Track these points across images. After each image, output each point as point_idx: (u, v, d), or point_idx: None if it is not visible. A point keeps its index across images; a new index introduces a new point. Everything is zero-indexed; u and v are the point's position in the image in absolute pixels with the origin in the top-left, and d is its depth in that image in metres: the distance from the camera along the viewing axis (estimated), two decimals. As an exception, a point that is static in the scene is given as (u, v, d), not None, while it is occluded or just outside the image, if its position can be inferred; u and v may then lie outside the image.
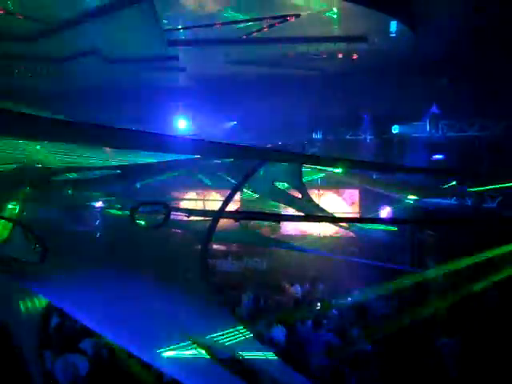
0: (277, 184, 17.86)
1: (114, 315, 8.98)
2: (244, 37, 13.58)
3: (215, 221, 12.69)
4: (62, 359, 9.40)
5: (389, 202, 18.97)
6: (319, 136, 20.07)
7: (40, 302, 10.06)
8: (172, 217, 12.50)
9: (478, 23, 12.21)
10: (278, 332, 11.15)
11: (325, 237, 20.59)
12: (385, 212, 19.05)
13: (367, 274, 15.59)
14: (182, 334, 8.70)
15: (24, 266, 10.30)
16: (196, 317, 9.65)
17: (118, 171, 15.47)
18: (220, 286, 14.95)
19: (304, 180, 17.73)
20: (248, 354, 8.95)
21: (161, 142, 5.71)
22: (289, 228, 20.98)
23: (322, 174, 19.89)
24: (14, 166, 14.08)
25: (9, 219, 12.30)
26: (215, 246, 20.01)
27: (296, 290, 15.29)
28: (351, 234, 19.33)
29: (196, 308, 10.06)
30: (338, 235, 20.11)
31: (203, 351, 8.49)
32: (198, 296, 11.04)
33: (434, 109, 17.76)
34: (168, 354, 8.08)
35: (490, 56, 14.10)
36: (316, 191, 20.45)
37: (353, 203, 21.17)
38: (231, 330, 9.61)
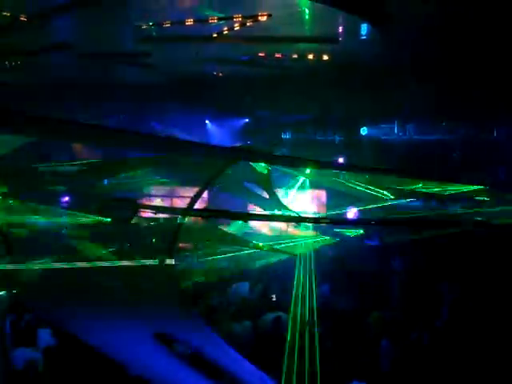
0: (245, 183, 17.92)
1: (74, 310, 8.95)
2: (215, 35, 13.55)
3: (182, 218, 12.70)
4: (19, 352, 9.44)
5: (356, 202, 19.11)
6: (288, 136, 20.17)
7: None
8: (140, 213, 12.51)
9: (444, 24, 12.31)
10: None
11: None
12: (351, 213, 19.19)
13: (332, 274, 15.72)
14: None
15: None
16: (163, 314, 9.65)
17: (84, 167, 15.39)
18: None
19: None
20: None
21: (133, 139, 5.72)
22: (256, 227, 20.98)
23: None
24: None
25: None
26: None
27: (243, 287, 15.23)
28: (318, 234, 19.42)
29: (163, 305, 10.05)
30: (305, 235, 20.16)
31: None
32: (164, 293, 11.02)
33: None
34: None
35: (458, 58, 14.25)
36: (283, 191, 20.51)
37: (320, 204, 21.25)
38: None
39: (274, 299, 13.83)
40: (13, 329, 10.92)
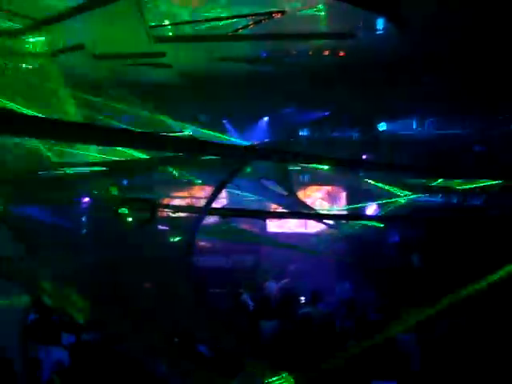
0: (263, 181, 17.87)
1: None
2: (229, 33, 13.54)
3: (201, 217, 12.69)
4: (45, 351, 9.52)
5: (375, 199, 19.00)
6: (305, 133, 20.10)
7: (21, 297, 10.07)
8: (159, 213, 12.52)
9: (463, 20, 12.22)
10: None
11: (311, 235, 20.56)
12: (371, 209, 19.08)
13: (352, 271, 15.66)
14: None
15: (7, 262, 10.26)
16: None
17: (105, 168, 15.41)
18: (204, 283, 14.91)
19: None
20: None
21: (150, 140, 5.72)
22: (275, 226, 20.94)
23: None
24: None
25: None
26: (201, 243, 19.98)
27: (270, 286, 15.22)
28: (337, 231, 19.31)
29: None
30: (325, 233, 20.05)
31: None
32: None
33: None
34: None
35: (476, 53, 14.13)
36: (302, 189, 20.44)
37: (339, 201, 21.15)
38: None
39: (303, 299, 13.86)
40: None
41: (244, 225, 18.91)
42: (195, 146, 6.81)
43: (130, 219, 13.17)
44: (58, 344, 10.25)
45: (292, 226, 20.94)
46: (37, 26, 12.68)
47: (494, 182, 16.66)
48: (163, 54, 14.31)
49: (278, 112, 18.66)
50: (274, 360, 8.89)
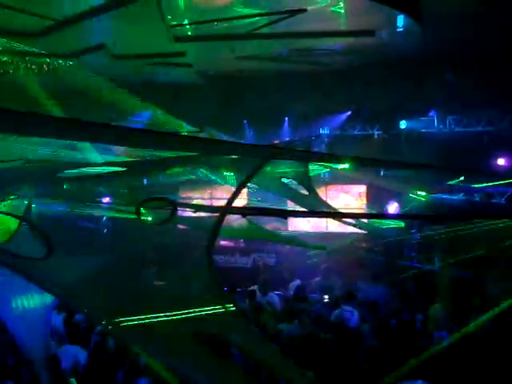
0: (283, 180, 17.81)
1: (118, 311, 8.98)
2: (250, 32, 13.51)
3: (222, 216, 12.63)
4: (64, 349, 9.62)
5: (396, 197, 18.90)
6: (326, 131, 20.02)
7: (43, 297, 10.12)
8: (178, 213, 12.48)
9: (485, 16, 12.12)
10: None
11: (332, 233, 20.51)
12: (392, 208, 18.97)
13: (376, 270, 15.60)
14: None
15: (28, 262, 10.30)
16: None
17: (124, 168, 15.45)
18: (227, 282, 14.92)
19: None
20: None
21: (163, 139, 5.67)
22: (296, 225, 20.89)
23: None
24: (20, 162, 14.11)
25: (15, 216, 12.29)
26: (222, 242, 20.02)
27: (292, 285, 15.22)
28: (360, 230, 19.21)
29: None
30: (347, 232, 19.95)
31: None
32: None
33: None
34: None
35: (498, 50, 14.01)
36: (323, 188, 20.35)
37: (360, 199, 21.05)
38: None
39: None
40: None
41: (266, 224, 18.87)
42: (214, 145, 6.76)
43: (150, 218, 13.22)
44: (81, 344, 10.38)
45: (313, 225, 20.92)
46: (58, 26, 12.72)
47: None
48: (183, 54, 14.33)
49: (300, 110, 18.57)
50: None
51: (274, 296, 13.74)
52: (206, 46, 14.74)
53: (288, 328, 11.14)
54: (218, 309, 9.94)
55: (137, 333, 8.49)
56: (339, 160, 11.28)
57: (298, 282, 15.28)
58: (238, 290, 14.36)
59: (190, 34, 14.02)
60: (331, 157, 10.47)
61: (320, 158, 11.41)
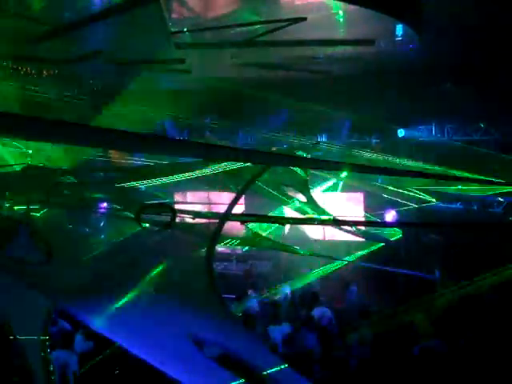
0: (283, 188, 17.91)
1: (120, 318, 9.03)
2: (249, 40, 13.57)
3: (221, 223, 12.68)
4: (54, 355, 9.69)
5: (394, 205, 18.95)
6: (324, 139, 20.06)
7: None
8: (177, 219, 12.53)
9: (482, 26, 12.21)
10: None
11: (331, 241, 20.52)
12: (390, 215, 19.02)
13: (375, 277, 15.67)
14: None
15: (28, 266, 10.33)
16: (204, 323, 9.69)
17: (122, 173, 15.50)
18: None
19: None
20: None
21: (162, 144, 5.72)
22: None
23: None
24: (20, 166, 14.15)
25: (16, 220, 12.34)
26: (220, 249, 20.04)
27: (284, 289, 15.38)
28: (358, 238, 19.26)
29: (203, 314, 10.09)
30: (345, 239, 19.98)
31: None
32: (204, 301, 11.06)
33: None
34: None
35: (496, 59, 14.09)
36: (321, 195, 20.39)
37: (357, 207, 21.07)
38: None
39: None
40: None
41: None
42: (213, 150, 6.79)
43: (147, 225, 13.24)
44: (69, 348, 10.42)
45: (311, 232, 20.95)
46: (56, 32, 12.76)
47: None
48: (183, 61, 14.37)
49: (297, 117, 18.61)
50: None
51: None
52: (207, 53, 14.80)
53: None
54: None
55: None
56: (337, 167, 11.34)
57: (287, 288, 15.43)
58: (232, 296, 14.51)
59: (189, 40, 14.09)
60: (329, 163, 10.52)
61: (318, 164, 11.45)
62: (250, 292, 15.07)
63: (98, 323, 9.50)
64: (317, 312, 13.07)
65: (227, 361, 8.86)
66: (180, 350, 8.81)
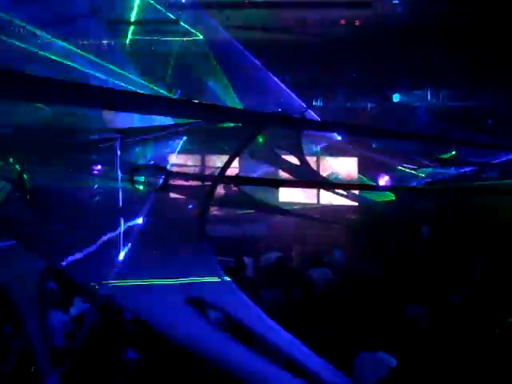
0: (276, 151, 17.86)
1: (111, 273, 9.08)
2: (245, 1, 13.49)
3: (214, 185, 12.70)
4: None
5: (388, 170, 18.94)
6: (319, 103, 19.99)
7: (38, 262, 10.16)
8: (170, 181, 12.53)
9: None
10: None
11: (324, 205, 20.52)
12: (383, 180, 19.02)
13: (365, 241, 15.69)
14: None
15: (22, 227, 10.35)
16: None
17: (118, 135, 15.41)
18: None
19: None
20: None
21: (158, 103, 5.71)
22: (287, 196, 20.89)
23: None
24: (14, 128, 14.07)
25: (7, 180, 12.33)
26: (213, 212, 20.03)
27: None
28: (351, 202, 19.25)
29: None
30: (338, 203, 19.98)
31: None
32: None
33: None
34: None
35: (490, 25, 14.03)
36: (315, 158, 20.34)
37: (351, 171, 21.02)
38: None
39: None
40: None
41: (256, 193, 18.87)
42: (205, 111, 6.78)
43: (141, 187, 13.23)
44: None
45: (304, 196, 20.93)
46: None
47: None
48: (177, 21, 14.29)
49: (292, 82, 18.50)
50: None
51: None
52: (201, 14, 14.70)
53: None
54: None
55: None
56: (332, 128, 11.33)
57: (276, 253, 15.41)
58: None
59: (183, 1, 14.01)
60: (324, 125, 10.52)
61: (312, 126, 11.44)
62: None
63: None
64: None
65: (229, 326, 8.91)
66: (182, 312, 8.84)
